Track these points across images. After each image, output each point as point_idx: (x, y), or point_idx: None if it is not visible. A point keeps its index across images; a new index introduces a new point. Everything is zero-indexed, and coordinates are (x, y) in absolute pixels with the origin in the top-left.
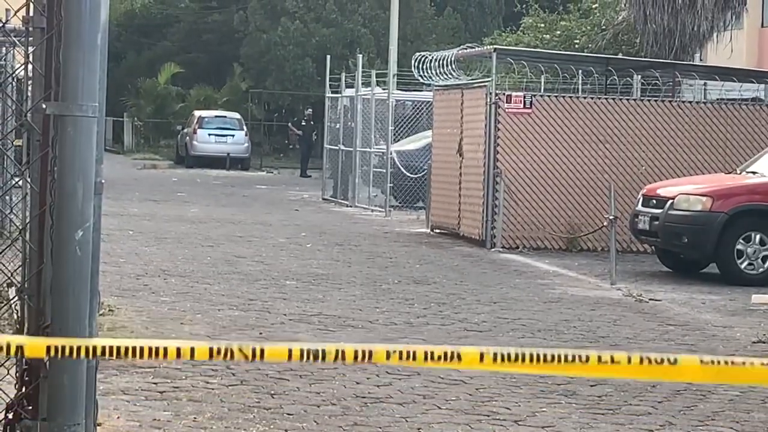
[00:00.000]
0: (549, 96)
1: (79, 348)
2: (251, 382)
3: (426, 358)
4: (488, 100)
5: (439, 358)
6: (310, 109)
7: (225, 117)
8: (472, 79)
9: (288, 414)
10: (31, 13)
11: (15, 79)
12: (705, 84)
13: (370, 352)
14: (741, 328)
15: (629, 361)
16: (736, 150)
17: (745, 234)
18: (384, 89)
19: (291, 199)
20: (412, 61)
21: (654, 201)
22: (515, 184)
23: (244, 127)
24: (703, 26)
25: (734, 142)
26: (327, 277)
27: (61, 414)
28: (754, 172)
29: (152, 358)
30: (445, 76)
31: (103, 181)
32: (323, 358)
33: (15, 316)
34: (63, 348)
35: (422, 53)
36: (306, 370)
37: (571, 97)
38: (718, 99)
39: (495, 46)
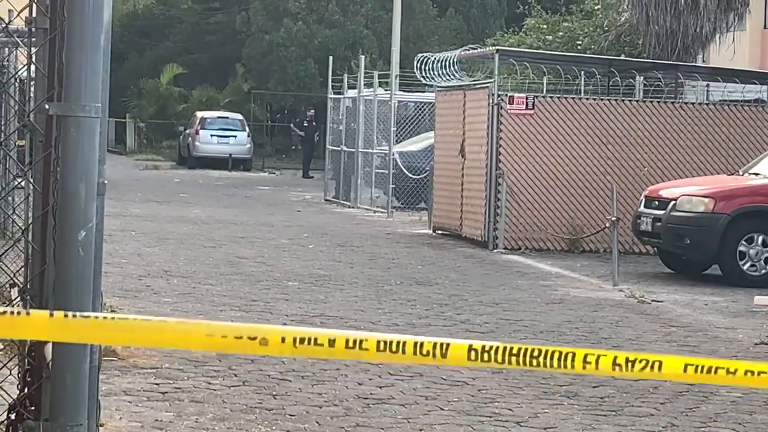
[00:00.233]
0: (551, 97)
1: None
2: (253, 383)
3: (415, 352)
4: (490, 101)
5: (428, 353)
6: (313, 110)
7: (227, 118)
8: (474, 81)
9: (290, 415)
10: (34, 14)
11: (18, 80)
12: (707, 85)
13: (362, 341)
14: (743, 329)
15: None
16: (738, 151)
17: (747, 235)
18: (386, 90)
19: (293, 200)
20: (415, 62)
21: (656, 202)
22: (517, 185)
23: (247, 128)
24: (705, 27)
25: (737, 144)
26: (329, 278)
27: (63, 414)
28: (756, 174)
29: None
30: (448, 77)
31: (105, 181)
32: (315, 342)
33: None
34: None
35: (425, 54)
36: (308, 370)
37: (573, 98)
38: (720, 100)
39: (497, 47)
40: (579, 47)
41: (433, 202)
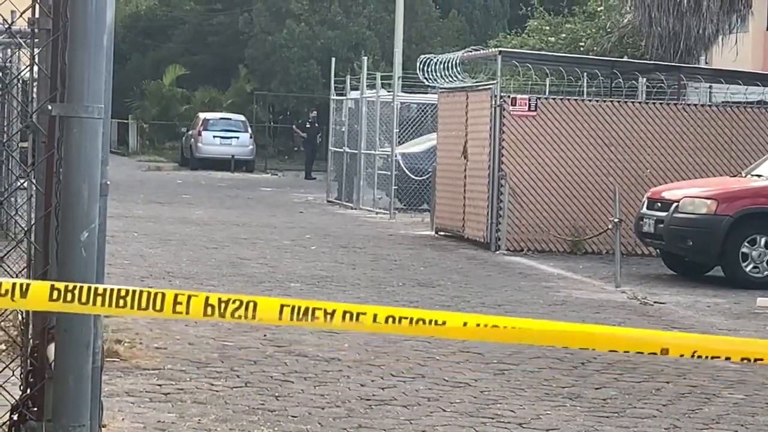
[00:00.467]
0: (554, 99)
1: (81, 289)
2: (256, 384)
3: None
4: (493, 102)
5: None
6: (315, 112)
7: (230, 119)
8: (476, 82)
9: (292, 416)
10: (36, 15)
11: (20, 81)
12: (710, 87)
13: (359, 314)
14: (746, 331)
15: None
16: (741, 153)
17: (750, 237)
18: (389, 91)
19: (295, 202)
20: (417, 64)
21: (659, 204)
22: (520, 187)
23: (249, 129)
24: (708, 29)
25: (739, 145)
26: (331, 279)
27: (65, 415)
28: (759, 175)
29: (150, 308)
30: (450, 79)
31: (108, 182)
32: (313, 315)
33: (20, 317)
34: (66, 289)
35: (427, 56)
36: (310, 372)
37: (576, 99)
38: (723, 102)
39: (500, 49)
40: (582, 49)
41: (435, 203)
